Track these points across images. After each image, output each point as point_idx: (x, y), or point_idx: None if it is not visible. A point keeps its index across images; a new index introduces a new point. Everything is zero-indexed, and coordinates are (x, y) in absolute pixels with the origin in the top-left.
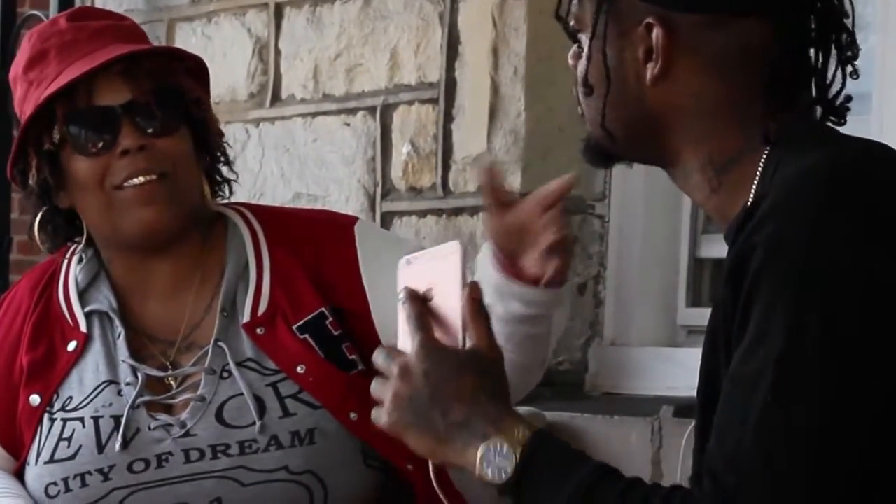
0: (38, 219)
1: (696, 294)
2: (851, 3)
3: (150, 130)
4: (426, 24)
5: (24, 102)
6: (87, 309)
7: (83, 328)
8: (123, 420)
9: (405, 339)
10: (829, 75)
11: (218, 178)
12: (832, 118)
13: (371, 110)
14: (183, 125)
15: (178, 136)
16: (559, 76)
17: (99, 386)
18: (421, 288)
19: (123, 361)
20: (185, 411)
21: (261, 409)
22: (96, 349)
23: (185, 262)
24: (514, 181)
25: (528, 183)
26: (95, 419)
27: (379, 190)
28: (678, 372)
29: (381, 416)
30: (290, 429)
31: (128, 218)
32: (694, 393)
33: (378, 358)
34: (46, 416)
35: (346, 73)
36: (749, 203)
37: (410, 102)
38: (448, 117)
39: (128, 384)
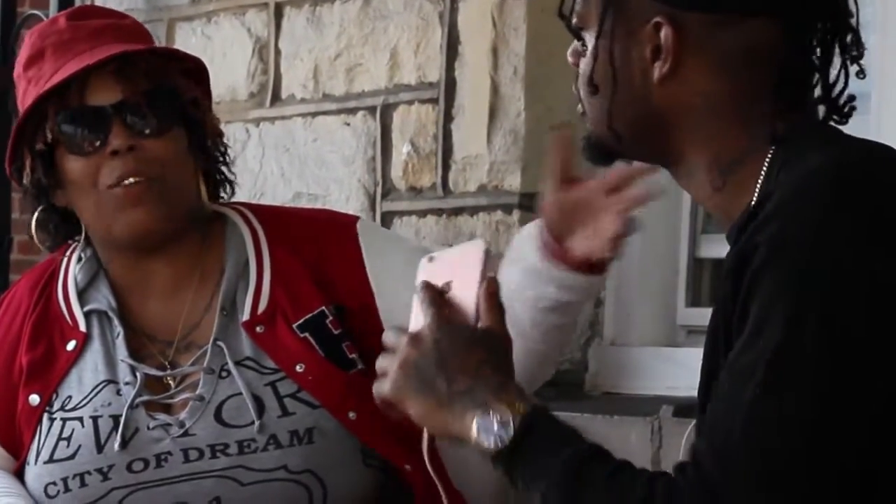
0: (35, 217)
1: (696, 294)
2: (856, 3)
3: (142, 131)
4: (426, 23)
5: (23, 100)
6: (86, 308)
7: (82, 328)
8: (122, 420)
9: (418, 324)
10: (834, 75)
11: (218, 177)
12: (835, 118)
13: (371, 110)
14: (177, 126)
15: (170, 137)
16: (559, 76)
17: (98, 385)
18: (440, 282)
19: (122, 361)
20: (184, 411)
21: (259, 409)
22: (95, 349)
23: (183, 261)
24: (513, 181)
25: (527, 183)
26: (94, 419)
27: (379, 190)
28: (678, 372)
29: (384, 385)
30: (288, 428)
31: (118, 219)
32: (694, 393)
33: (388, 336)
34: (46, 415)
35: (346, 72)
36: (753, 203)
37: (410, 102)
38: (448, 117)
39: (127, 384)
